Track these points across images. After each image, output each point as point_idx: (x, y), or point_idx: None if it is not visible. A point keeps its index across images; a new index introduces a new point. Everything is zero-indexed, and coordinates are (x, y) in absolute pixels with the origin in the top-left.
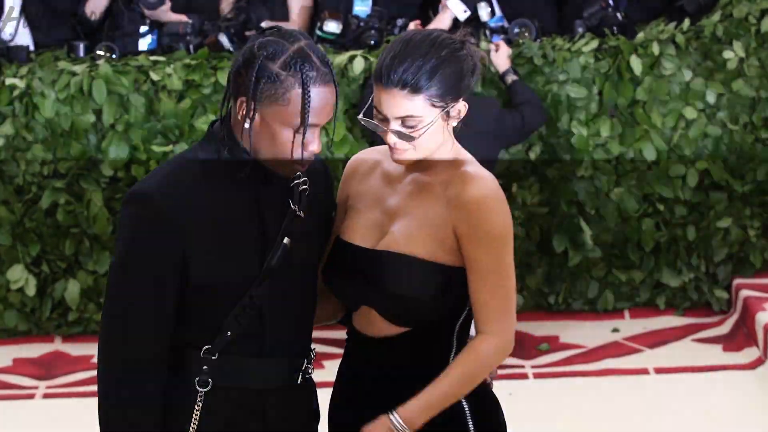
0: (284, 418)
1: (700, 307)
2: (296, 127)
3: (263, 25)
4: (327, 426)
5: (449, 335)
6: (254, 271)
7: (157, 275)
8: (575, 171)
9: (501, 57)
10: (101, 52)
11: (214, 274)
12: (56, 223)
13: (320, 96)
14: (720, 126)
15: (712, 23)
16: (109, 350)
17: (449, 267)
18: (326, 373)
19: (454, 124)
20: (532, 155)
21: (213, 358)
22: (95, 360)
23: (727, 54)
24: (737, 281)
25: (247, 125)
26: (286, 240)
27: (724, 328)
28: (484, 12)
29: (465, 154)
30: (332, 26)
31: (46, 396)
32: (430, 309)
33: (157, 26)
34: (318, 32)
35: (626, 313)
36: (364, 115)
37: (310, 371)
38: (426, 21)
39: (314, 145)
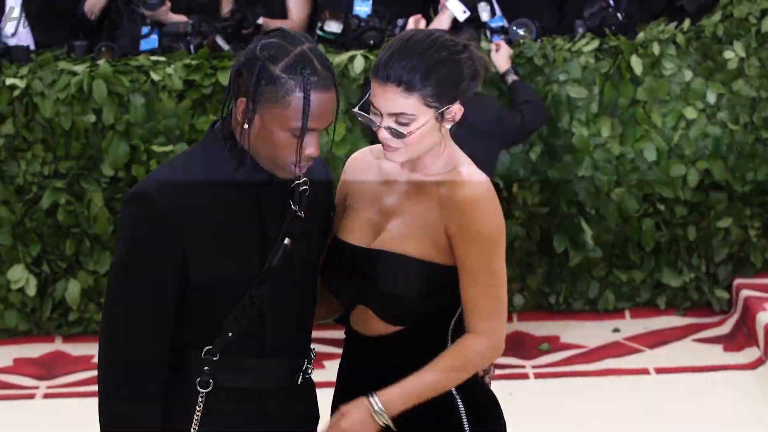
0: (284, 419)
1: (701, 307)
2: (295, 130)
3: (260, 22)
4: None
5: (444, 334)
6: (255, 271)
7: (157, 275)
8: (576, 171)
9: (501, 57)
10: (101, 52)
11: (214, 275)
12: (57, 223)
13: (320, 101)
14: (720, 126)
15: (712, 23)
16: (110, 350)
17: (443, 266)
18: (326, 373)
19: (449, 126)
20: (533, 155)
21: (214, 358)
22: (95, 360)
23: (728, 54)
24: (738, 281)
25: (246, 126)
26: (286, 240)
27: (725, 328)
28: (484, 12)
29: (460, 156)
30: (333, 26)
31: (46, 396)
32: (424, 308)
33: (157, 26)
34: (318, 32)
35: (627, 313)
36: (360, 109)
37: (310, 371)
38: (427, 20)
39: (313, 149)
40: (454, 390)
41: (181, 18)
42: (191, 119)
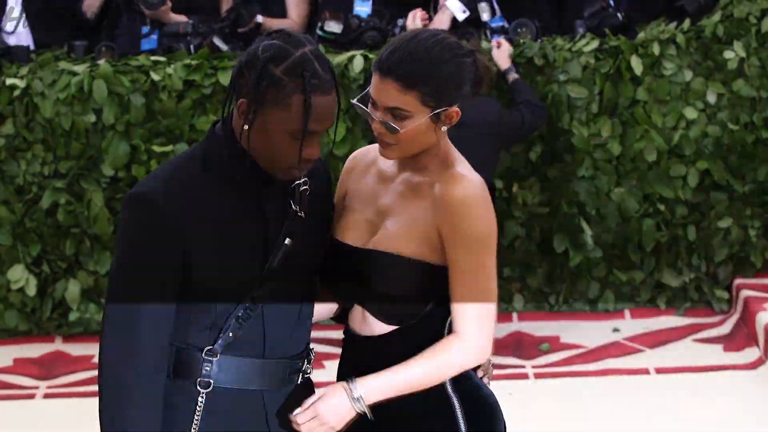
0: (284, 419)
1: (701, 307)
2: (295, 133)
3: (260, 21)
4: None
5: (439, 333)
6: (255, 272)
7: (157, 276)
8: (576, 171)
9: (503, 54)
10: (101, 52)
11: (215, 276)
12: (57, 223)
13: (321, 104)
14: (720, 126)
15: (712, 23)
16: (110, 350)
17: (436, 266)
18: (326, 373)
19: (444, 129)
20: (533, 155)
21: (214, 358)
22: (95, 360)
23: (728, 54)
24: (738, 281)
25: (246, 127)
26: (287, 241)
27: (725, 328)
28: (484, 12)
29: (456, 156)
30: (333, 26)
31: (46, 396)
32: (419, 307)
33: (157, 26)
34: (319, 32)
35: (627, 313)
36: (359, 101)
37: (309, 371)
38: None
39: (312, 151)
40: (451, 390)
41: (181, 18)
42: (191, 119)
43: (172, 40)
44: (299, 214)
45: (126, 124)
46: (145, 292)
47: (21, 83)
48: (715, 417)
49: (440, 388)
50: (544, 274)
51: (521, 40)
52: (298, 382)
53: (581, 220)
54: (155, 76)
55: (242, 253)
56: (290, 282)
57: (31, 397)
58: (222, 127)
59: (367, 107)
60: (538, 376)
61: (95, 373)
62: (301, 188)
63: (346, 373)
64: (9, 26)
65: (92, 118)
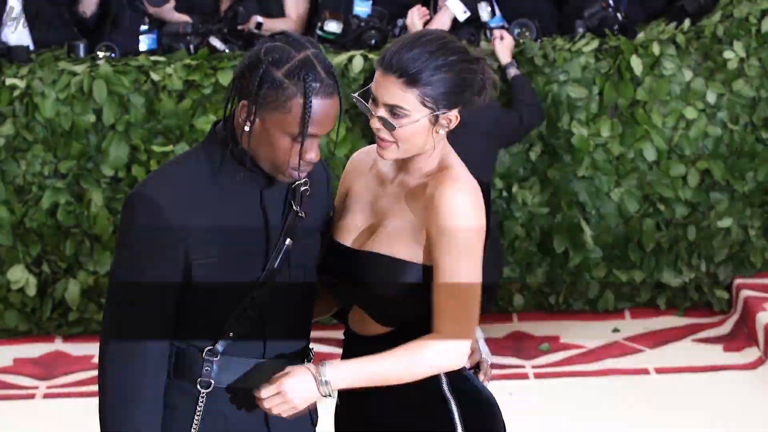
0: (284, 419)
1: (701, 307)
2: (295, 135)
3: (258, 20)
4: (333, 425)
5: None
6: (256, 272)
7: (158, 276)
8: (576, 171)
9: (504, 48)
10: (101, 52)
11: (215, 276)
12: (57, 223)
13: (322, 107)
14: (720, 126)
15: (712, 23)
16: (111, 351)
17: (430, 267)
18: None
19: (442, 132)
20: (533, 155)
21: (214, 359)
22: (95, 360)
23: (728, 54)
24: (738, 281)
25: (247, 128)
26: (288, 241)
27: (725, 328)
28: (484, 12)
29: (452, 159)
30: (333, 26)
31: (46, 396)
32: (415, 309)
33: (157, 26)
34: (318, 32)
35: (627, 313)
36: (360, 96)
37: None
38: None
39: (313, 154)
40: (447, 391)
41: (182, 17)
42: (191, 119)
43: (172, 39)
44: (300, 214)
45: (126, 124)
46: (146, 293)
47: (21, 83)
48: (715, 417)
49: (437, 389)
50: (544, 274)
51: (521, 41)
52: None
53: (581, 220)
54: (155, 76)
55: (243, 253)
56: (290, 282)
57: (31, 397)
58: (223, 128)
59: (368, 103)
60: (538, 376)
61: (95, 373)
62: (302, 189)
63: None
64: (9, 26)
65: (92, 118)
